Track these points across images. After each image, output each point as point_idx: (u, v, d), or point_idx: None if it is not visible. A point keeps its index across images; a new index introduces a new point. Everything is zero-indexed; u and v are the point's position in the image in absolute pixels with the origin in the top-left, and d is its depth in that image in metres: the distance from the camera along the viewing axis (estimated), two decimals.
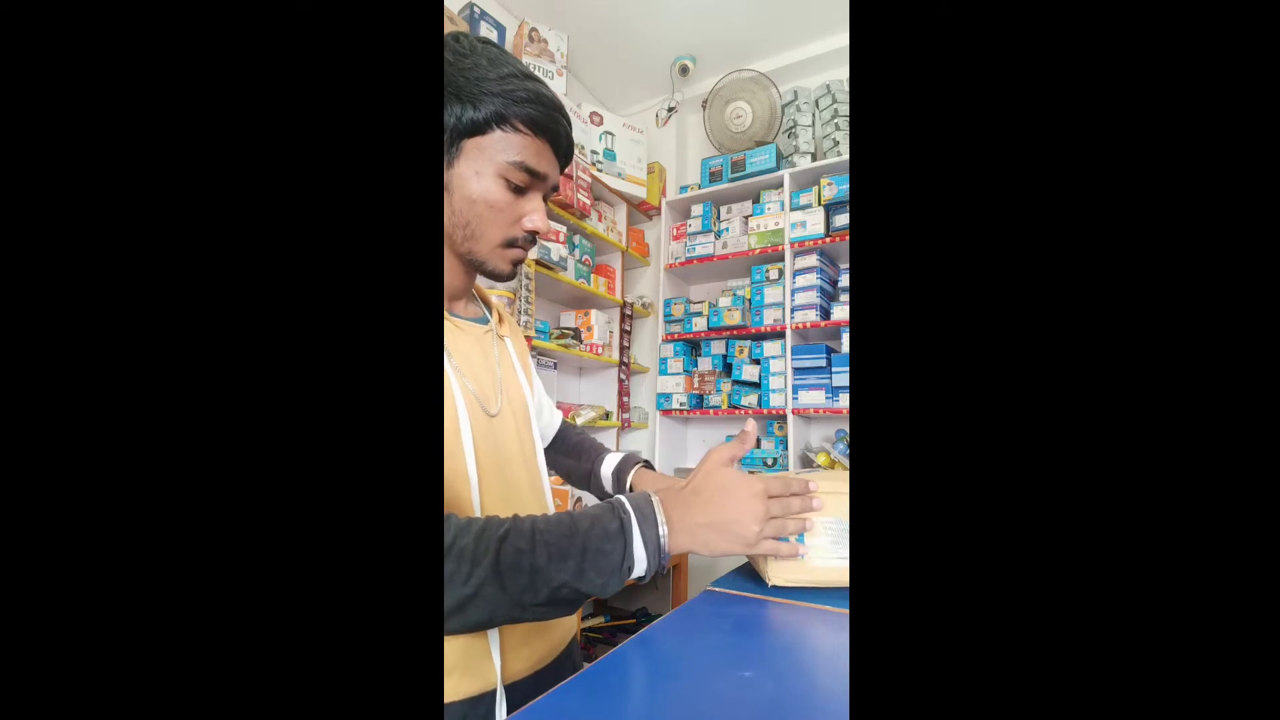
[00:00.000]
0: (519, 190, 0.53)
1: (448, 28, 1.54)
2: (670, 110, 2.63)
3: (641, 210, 2.50)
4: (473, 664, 0.50)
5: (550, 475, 0.71)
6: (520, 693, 0.51)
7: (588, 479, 0.77)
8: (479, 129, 0.51)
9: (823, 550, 0.55)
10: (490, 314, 0.65)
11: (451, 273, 0.57)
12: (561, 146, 0.55)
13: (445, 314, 0.56)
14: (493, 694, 0.50)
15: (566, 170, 1.94)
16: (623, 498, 0.47)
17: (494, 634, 0.51)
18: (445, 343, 0.53)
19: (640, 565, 0.44)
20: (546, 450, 0.77)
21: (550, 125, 0.53)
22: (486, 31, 1.79)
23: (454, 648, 0.48)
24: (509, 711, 0.49)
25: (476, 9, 1.78)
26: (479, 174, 0.52)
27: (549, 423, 0.78)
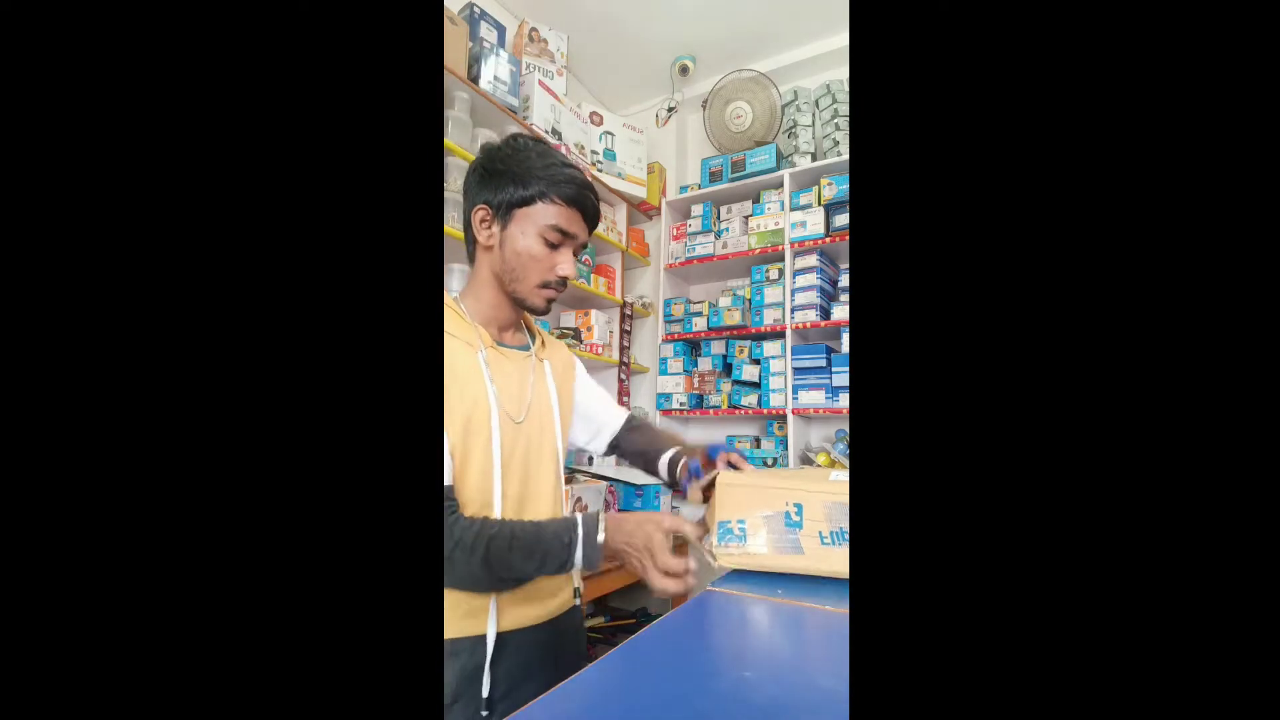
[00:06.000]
0: (554, 246, 0.72)
1: (448, 30, 1.54)
2: (670, 110, 2.62)
3: (641, 210, 2.50)
4: (473, 611, 0.67)
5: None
6: (521, 639, 0.70)
7: (656, 470, 0.93)
8: (527, 202, 0.70)
9: (762, 540, 0.63)
10: (534, 342, 0.83)
11: (502, 309, 0.76)
12: (589, 214, 0.74)
13: (495, 344, 0.75)
14: (483, 638, 0.67)
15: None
16: (578, 516, 0.65)
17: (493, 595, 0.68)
18: (490, 367, 0.72)
19: (578, 560, 0.63)
20: (620, 449, 0.96)
21: (581, 199, 0.72)
22: (486, 32, 1.79)
23: (459, 597, 0.66)
24: (503, 657, 0.68)
25: (476, 9, 1.78)
26: (524, 234, 0.71)
27: (603, 423, 0.95)
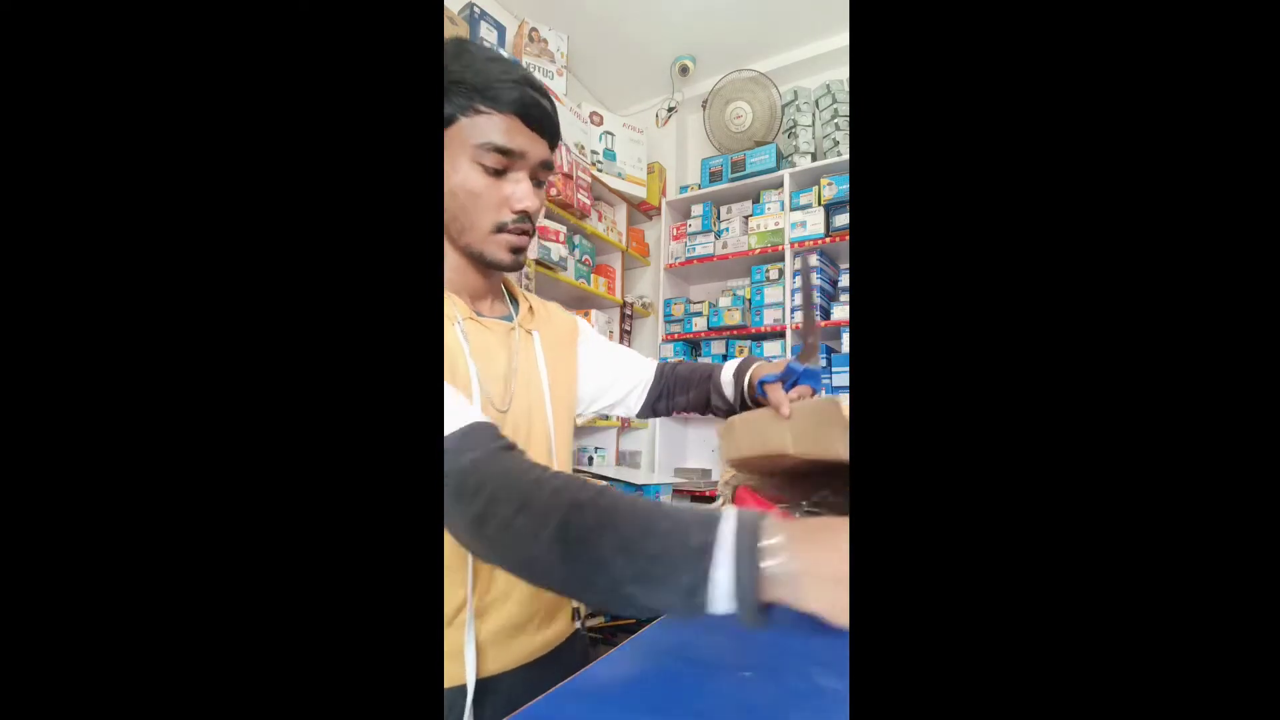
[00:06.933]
0: (498, 173, 0.52)
1: (448, 29, 1.53)
2: (670, 110, 2.62)
3: (641, 210, 2.50)
4: (450, 654, 0.50)
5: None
6: (510, 684, 0.53)
7: (706, 402, 0.74)
8: (447, 121, 0.51)
9: None
10: (518, 311, 0.65)
11: (468, 274, 0.58)
12: (534, 116, 0.52)
13: (471, 314, 0.57)
14: (462, 688, 0.50)
15: (567, 171, 1.95)
16: (731, 510, 0.34)
17: (470, 629, 0.51)
18: (470, 341, 0.54)
19: (723, 600, 0.32)
20: (661, 401, 0.78)
21: (522, 101, 0.51)
22: (486, 32, 1.79)
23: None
24: (500, 703, 0.51)
25: (476, 9, 1.78)
26: (454, 167, 0.52)
27: (632, 381, 0.77)
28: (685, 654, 0.45)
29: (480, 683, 0.51)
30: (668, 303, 2.44)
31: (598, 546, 0.34)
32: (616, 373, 0.76)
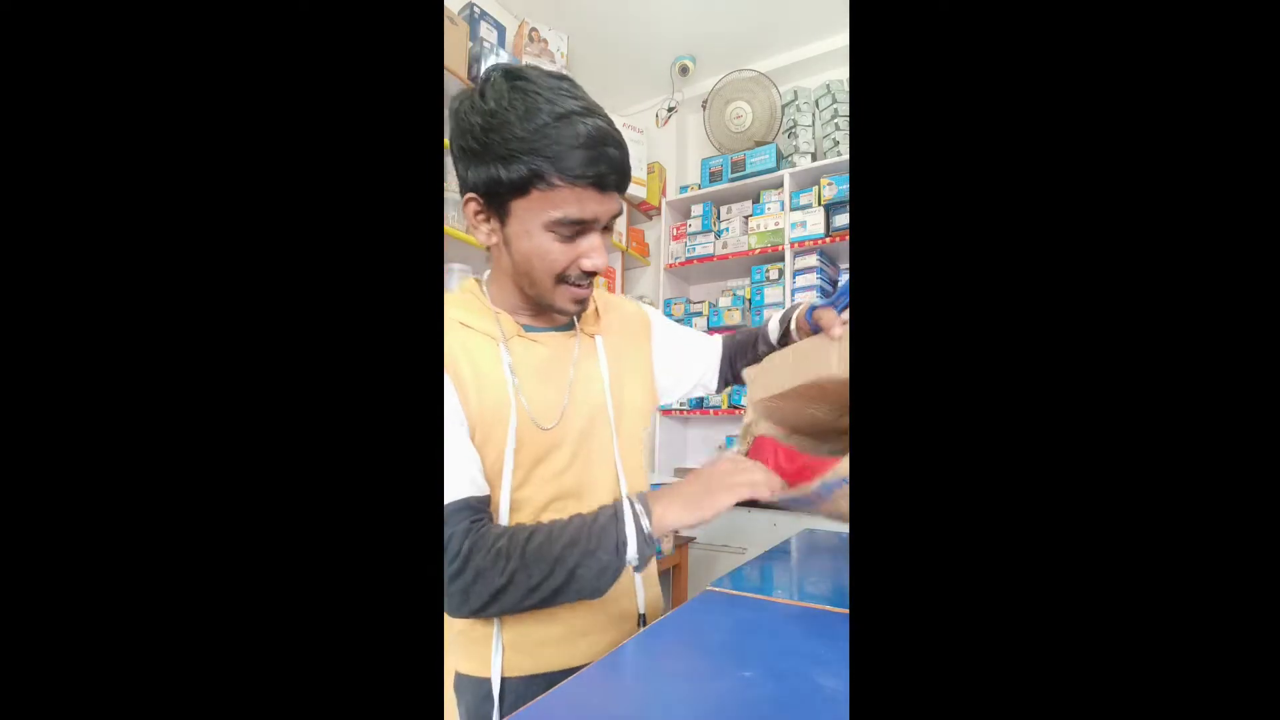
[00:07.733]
0: (572, 236, 0.54)
1: (448, 30, 1.53)
2: (670, 110, 2.62)
3: (641, 210, 2.50)
4: (481, 649, 0.57)
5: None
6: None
7: (758, 357, 0.77)
8: (518, 190, 0.51)
9: None
10: (578, 317, 0.66)
11: (525, 294, 0.60)
12: (611, 182, 0.53)
13: (521, 332, 0.60)
14: (488, 681, 0.57)
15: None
16: (625, 498, 0.55)
17: (497, 628, 0.57)
18: (513, 360, 0.58)
19: (631, 546, 0.52)
20: (729, 370, 0.82)
21: (591, 171, 0.51)
22: (486, 32, 1.79)
23: (477, 632, 0.58)
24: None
25: (476, 9, 1.78)
26: (529, 233, 0.54)
27: (706, 363, 0.80)
28: (685, 654, 0.45)
29: (548, 675, 0.57)
30: (668, 303, 2.44)
31: (553, 550, 0.51)
32: (692, 358, 0.79)
